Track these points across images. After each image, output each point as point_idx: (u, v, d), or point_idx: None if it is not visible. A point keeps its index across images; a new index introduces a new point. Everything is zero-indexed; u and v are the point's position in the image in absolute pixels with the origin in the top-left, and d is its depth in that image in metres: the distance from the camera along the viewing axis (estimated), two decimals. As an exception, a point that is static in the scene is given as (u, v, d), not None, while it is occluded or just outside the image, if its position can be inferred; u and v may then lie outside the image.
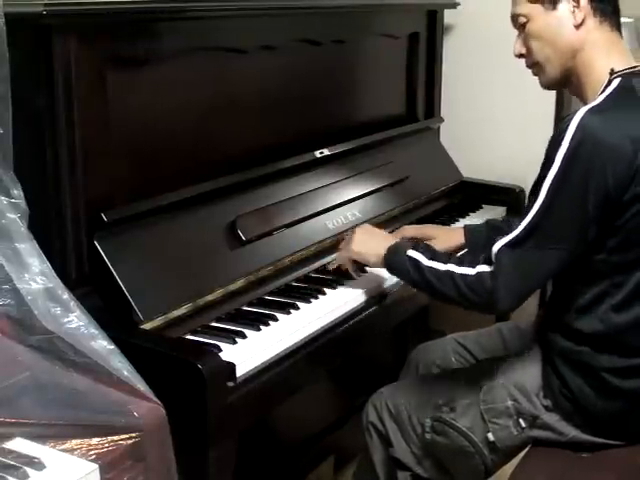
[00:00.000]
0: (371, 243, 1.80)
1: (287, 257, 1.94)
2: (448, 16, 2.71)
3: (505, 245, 1.56)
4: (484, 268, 1.58)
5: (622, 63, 1.62)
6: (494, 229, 2.06)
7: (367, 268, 1.94)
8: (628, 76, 1.59)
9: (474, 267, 1.59)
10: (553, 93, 2.56)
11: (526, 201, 1.70)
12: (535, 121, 2.68)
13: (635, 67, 1.62)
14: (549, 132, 2.64)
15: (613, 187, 1.50)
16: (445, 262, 1.62)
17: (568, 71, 1.66)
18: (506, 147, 2.78)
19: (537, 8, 1.64)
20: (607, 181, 1.50)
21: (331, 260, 2.02)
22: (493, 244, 1.58)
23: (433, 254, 1.65)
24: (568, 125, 1.51)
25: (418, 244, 1.71)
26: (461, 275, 1.59)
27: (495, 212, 2.54)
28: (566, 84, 1.71)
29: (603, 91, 1.58)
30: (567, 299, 1.63)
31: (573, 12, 1.61)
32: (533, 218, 1.54)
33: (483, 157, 2.78)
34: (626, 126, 1.52)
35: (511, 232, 1.56)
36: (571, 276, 1.62)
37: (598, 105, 1.54)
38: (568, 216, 1.53)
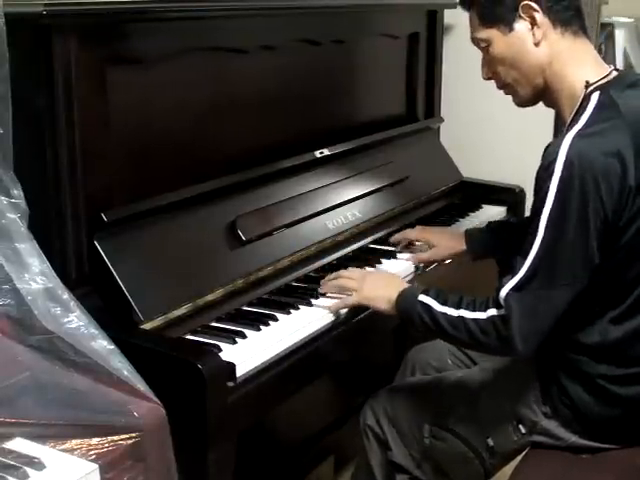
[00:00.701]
0: (382, 289, 1.73)
1: (287, 257, 1.94)
2: (448, 16, 2.71)
3: (511, 289, 1.51)
4: (495, 312, 1.53)
5: (594, 71, 1.59)
6: (494, 233, 2.06)
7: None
8: (605, 87, 1.56)
9: (485, 311, 1.55)
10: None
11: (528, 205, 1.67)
12: (535, 121, 2.67)
13: (609, 74, 1.59)
14: (549, 132, 2.67)
15: (610, 211, 1.47)
16: (457, 307, 1.57)
17: (538, 88, 1.63)
18: (506, 147, 2.78)
19: (494, 32, 1.62)
20: (604, 205, 1.46)
21: (329, 261, 2.02)
22: (500, 288, 1.53)
23: (445, 299, 1.60)
24: (557, 153, 1.47)
25: (428, 289, 1.65)
26: (473, 320, 1.55)
27: (495, 212, 2.54)
28: (539, 100, 1.68)
29: (582, 108, 1.54)
30: (568, 313, 1.57)
31: (532, 30, 1.59)
32: (535, 258, 1.49)
33: (483, 157, 2.78)
34: (613, 144, 1.48)
35: (515, 274, 1.51)
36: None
37: (583, 128, 1.50)
38: (571, 250, 1.48)
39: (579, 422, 1.64)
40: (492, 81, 1.71)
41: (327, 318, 1.76)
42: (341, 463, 2.41)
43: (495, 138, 2.80)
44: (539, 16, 1.58)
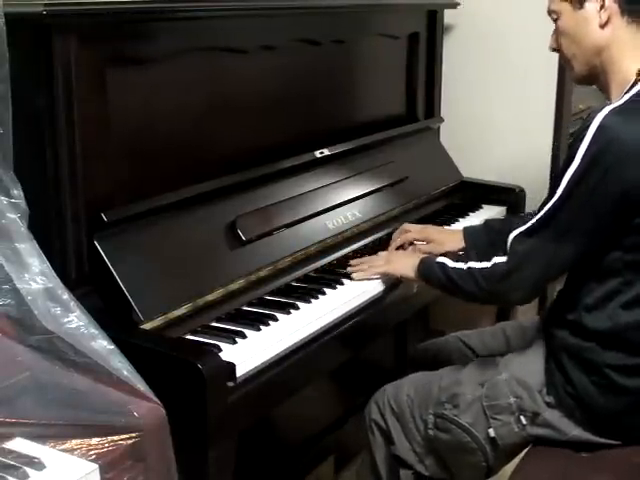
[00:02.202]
0: (406, 259, 1.91)
1: (287, 257, 1.94)
2: (448, 16, 2.71)
3: (520, 233, 1.61)
4: (500, 259, 1.64)
5: None
6: (492, 230, 2.08)
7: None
8: None
9: (490, 260, 1.65)
10: (553, 93, 2.56)
11: (544, 194, 1.71)
12: (535, 121, 2.68)
13: None
14: (549, 132, 2.67)
15: (632, 187, 1.52)
16: (467, 261, 1.69)
17: (594, 69, 1.69)
18: (506, 147, 2.78)
19: (566, 6, 1.67)
20: (626, 180, 1.52)
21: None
22: (509, 233, 1.63)
23: (459, 257, 1.74)
24: (590, 124, 1.53)
25: (447, 252, 1.80)
26: (479, 269, 1.66)
27: (495, 212, 2.54)
28: (594, 81, 1.73)
29: (628, 91, 1.60)
30: (577, 295, 1.64)
31: (599, 11, 1.63)
32: (550, 209, 1.57)
33: (483, 157, 2.78)
34: None
35: (527, 221, 1.61)
36: (583, 273, 1.64)
37: (620, 105, 1.56)
38: (585, 211, 1.55)
39: (582, 412, 1.65)
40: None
41: (327, 318, 1.76)
42: (341, 463, 2.41)
43: (495, 138, 2.80)
44: (608, 0, 1.62)
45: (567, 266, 1.63)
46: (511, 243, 1.62)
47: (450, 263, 1.73)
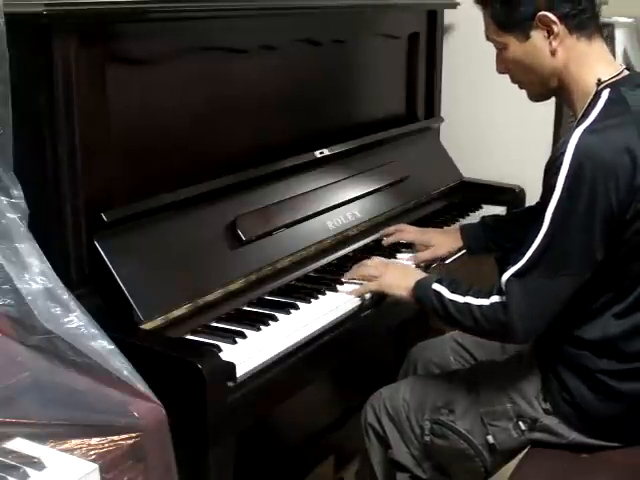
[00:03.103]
0: (401, 278, 1.81)
1: (287, 257, 1.94)
2: (448, 16, 2.71)
3: (513, 275, 1.55)
4: (497, 298, 1.58)
5: (607, 70, 1.60)
6: (489, 227, 2.09)
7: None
8: (615, 85, 1.57)
9: (488, 298, 1.59)
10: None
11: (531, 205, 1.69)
12: (535, 121, 2.68)
13: (620, 72, 1.61)
14: (549, 132, 2.67)
15: (617, 205, 1.49)
16: (465, 295, 1.63)
17: (553, 88, 1.65)
18: (506, 147, 2.78)
19: (509, 38, 1.62)
20: (611, 200, 1.48)
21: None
22: (502, 273, 1.57)
23: (455, 287, 1.66)
24: (565, 149, 1.49)
25: (442, 278, 1.71)
26: (478, 306, 1.60)
27: (495, 212, 2.54)
28: (553, 96, 1.71)
29: (592, 104, 1.56)
30: (572, 307, 1.59)
31: (548, 38, 1.59)
32: (539, 247, 1.52)
33: (483, 157, 2.78)
34: (622, 140, 1.50)
35: (517, 261, 1.55)
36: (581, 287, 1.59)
37: (592, 123, 1.52)
38: (575, 242, 1.51)
39: (579, 418, 1.65)
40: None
41: (327, 318, 1.76)
42: (341, 463, 2.41)
43: (495, 138, 2.80)
44: (556, 27, 1.57)
45: (565, 299, 1.56)
46: (505, 285, 1.56)
47: (447, 293, 1.65)
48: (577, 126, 1.53)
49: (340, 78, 2.35)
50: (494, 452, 1.72)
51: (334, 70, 2.31)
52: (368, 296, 1.86)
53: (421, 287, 1.71)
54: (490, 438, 1.71)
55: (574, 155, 1.48)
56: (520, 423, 1.69)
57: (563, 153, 1.49)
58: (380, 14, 2.47)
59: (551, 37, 1.58)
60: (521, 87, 1.72)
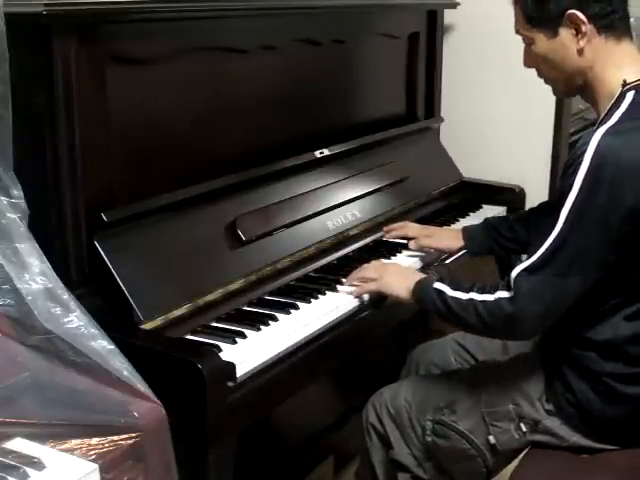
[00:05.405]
0: (400, 279, 1.80)
1: (287, 257, 1.94)
2: (448, 16, 2.71)
3: (524, 270, 1.53)
4: (503, 294, 1.57)
5: (633, 71, 1.59)
6: (491, 228, 2.09)
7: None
8: None
9: (493, 294, 1.58)
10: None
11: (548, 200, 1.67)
12: (535, 121, 2.68)
13: None
14: (549, 132, 2.67)
15: (635, 207, 1.48)
16: (468, 291, 1.62)
17: (578, 86, 1.65)
18: (506, 147, 2.78)
19: (537, 34, 1.62)
20: (629, 202, 1.47)
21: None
22: (512, 269, 1.56)
23: (457, 285, 1.65)
24: (586, 149, 1.48)
25: (443, 277, 1.70)
26: (482, 302, 1.59)
27: (495, 212, 2.54)
28: (578, 94, 1.70)
29: (616, 105, 1.55)
30: (581, 308, 1.58)
31: (576, 36, 1.58)
32: (552, 244, 1.51)
33: (483, 157, 2.78)
34: None
35: (530, 257, 1.54)
36: (590, 288, 1.58)
37: (614, 125, 1.51)
38: (590, 242, 1.50)
39: (582, 420, 1.64)
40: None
41: (327, 318, 1.76)
42: (341, 463, 2.41)
43: (495, 138, 2.80)
44: (584, 26, 1.56)
45: (574, 299, 1.55)
46: (514, 281, 1.54)
47: (449, 291, 1.64)
48: (599, 126, 1.52)
49: (340, 78, 2.35)
50: (496, 452, 1.72)
51: (334, 70, 2.31)
52: (368, 297, 1.86)
53: (422, 287, 1.71)
54: (492, 438, 1.71)
55: (594, 155, 1.47)
56: (521, 425, 1.69)
57: (583, 153, 1.48)
58: (380, 14, 2.47)
59: (579, 36, 1.58)
60: (547, 83, 1.72)
